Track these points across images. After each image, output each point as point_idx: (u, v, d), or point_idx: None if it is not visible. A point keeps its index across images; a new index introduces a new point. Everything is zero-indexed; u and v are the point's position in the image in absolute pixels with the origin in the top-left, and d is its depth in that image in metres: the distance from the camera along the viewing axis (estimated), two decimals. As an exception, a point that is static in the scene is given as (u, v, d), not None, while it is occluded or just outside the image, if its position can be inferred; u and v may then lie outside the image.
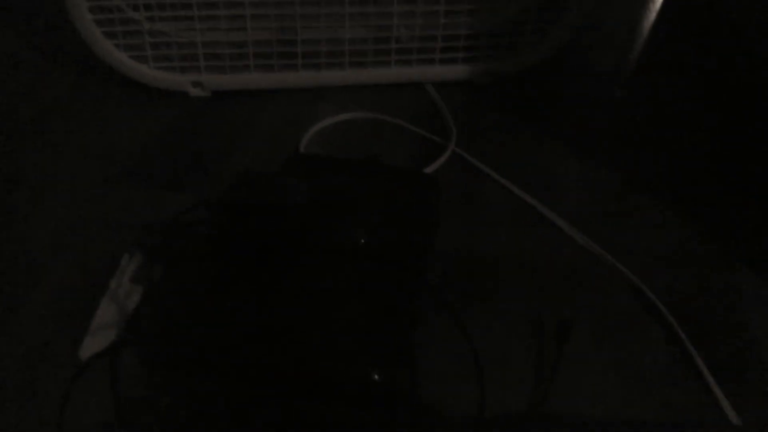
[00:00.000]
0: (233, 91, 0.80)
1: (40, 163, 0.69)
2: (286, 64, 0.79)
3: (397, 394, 0.43)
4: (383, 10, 0.76)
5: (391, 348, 0.44)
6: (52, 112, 0.77)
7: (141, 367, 0.49)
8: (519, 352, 0.53)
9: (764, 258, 0.61)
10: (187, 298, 0.50)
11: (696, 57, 0.91)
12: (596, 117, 0.80)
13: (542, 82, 0.85)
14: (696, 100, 0.83)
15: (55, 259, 0.59)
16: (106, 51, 0.76)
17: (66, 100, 0.79)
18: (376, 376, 0.42)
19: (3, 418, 0.47)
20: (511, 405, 0.49)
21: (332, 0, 0.75)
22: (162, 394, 0.49)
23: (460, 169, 0.71)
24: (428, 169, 0.70)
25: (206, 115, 0.78)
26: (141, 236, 0.59)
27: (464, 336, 0.48)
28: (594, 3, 0.81)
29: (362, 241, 0.52)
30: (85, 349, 0.50)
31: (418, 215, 0.57)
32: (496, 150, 0.74)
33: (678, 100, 0.83)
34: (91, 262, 0.58)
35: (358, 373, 0.43)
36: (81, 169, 0.69)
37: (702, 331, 0.55)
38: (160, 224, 0.59)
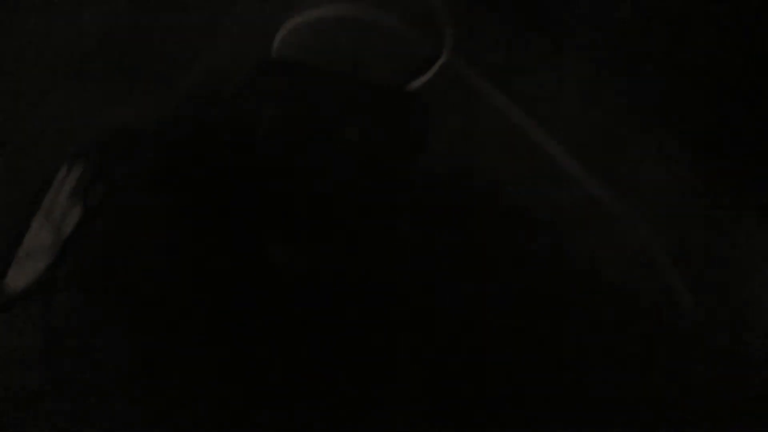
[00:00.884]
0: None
1: None
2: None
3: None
4: None
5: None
6: None
7: (77, 301, 0.43)
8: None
9: None
10: (136, 224, 0.44)
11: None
12: (605, 37, 0.71)
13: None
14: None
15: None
16: None
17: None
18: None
19: None
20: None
21: None
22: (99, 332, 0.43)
23: (452, 84, 0.63)
24: (416, 83, 0.62)
25: (165, 4, 0.68)
26: (83, 145, 0.51)
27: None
28: None
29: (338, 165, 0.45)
30: (12, 279, 0.44)
31: (400, 144, 0.50)
32: (494, 65, 0.66)
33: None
34: (23, 172, 0.51)
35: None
36: (21, 59, 0.60)
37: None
38: (106, 132, 0.51)
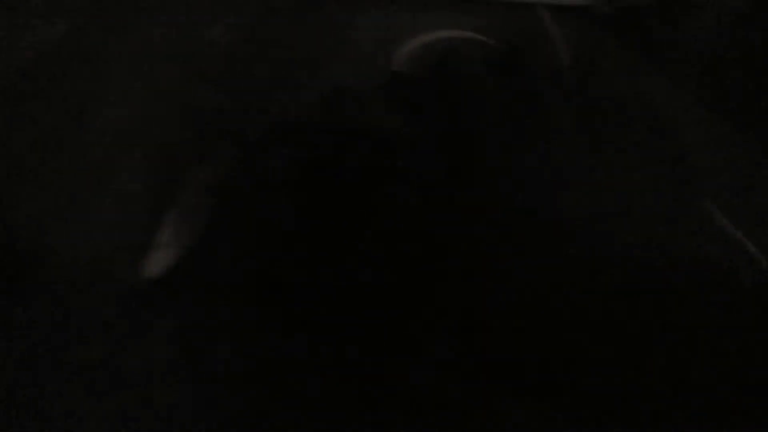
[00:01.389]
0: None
1: (125, 55, 0.63)
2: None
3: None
4: None
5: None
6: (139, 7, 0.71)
7: (206, 291, 0.44)
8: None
9: None
10: (266, 222, 0.46)
11: None
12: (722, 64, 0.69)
13: (667, 16, 0.74)
14: None
15: (122, 167, 0.54)
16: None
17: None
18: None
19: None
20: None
21: None
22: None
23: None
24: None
25: (293, 21, 0.70)
26: (216, 146, 0.53)
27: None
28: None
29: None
30: (151, 263, 0.46)
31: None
32: (608, 89, 0.65)
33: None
34: (158, 171, 0.53)
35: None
36: (151, 71, 0.63)
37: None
38: (239, 136, 0.53)
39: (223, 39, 0.66)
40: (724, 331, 0.42)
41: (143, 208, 0.49)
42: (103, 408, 0.40)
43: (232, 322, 0.43)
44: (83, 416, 0.40)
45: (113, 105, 0.58)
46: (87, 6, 0.69)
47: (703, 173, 0.57)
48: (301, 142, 0.50)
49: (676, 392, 0.40)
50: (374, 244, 0.44)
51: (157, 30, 0.67)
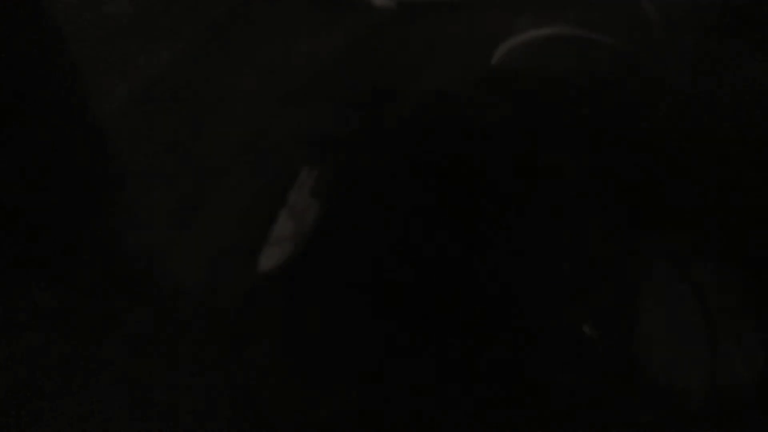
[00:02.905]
0: (421, 1, 0.74)
1: (221, 73, 0.68)
2: (481, -29, 0.71)
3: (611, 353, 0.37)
4: None
5: (610, 299, 0.37)
6: (232, 22, 0.75)
7: (317, 285, 0.46)
8: None
9: None
10: (372, 218, 0.47)
11: None
12: None
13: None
14: None
15: (237, 169, 0.57)
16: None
17: (245, 11, 0.77)
18: (587, 330, 0.36)
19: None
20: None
21: None
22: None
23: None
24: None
25: (391, 28, 0.72)
26: (322, 151, 0.55)
27: (695, 295, 0.40)
28: None
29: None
30: (265, 258, 0.48)
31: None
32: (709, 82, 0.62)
33: None
34: (270, 174, 0.56)
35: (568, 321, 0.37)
36: (261, 82, 0.66)
37: None
38: (344, 139, 0.55)
39: (323, 53, 0.69)
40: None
41: (258, 211, 0.52)
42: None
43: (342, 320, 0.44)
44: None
45: (225, 121, 0.62)
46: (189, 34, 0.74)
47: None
48: (404, 142, 0.51)
49: None
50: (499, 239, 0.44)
51: (259, 48, 0.71)
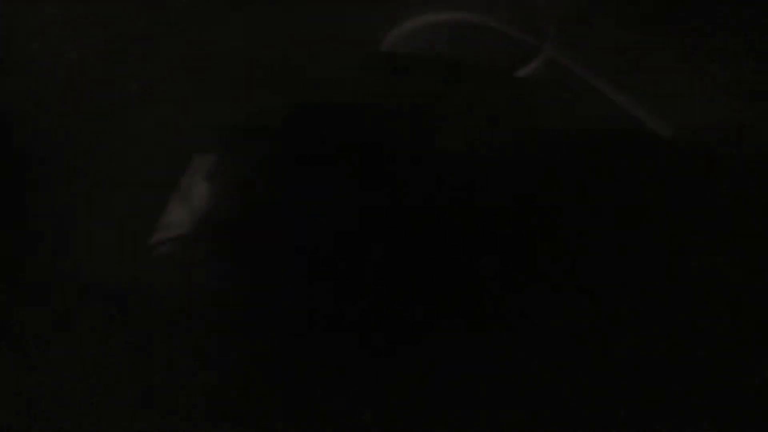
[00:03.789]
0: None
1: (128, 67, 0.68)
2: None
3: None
4: None
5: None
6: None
7: (211, 261, 0.48)
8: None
9: None
10: (263, 199, 0.49)
11: None
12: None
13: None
14: None
15: (136, 151, 0.57)
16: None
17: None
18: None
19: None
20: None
21: None
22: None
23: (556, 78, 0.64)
24: (520, 72, 0.63)
25: (291, 15, 0.73)
26: (216, 135, 0.57)
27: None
28: None
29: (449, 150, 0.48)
30: (156, 242, 0.49)
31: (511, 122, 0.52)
32: (601, 55, 0.66)
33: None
34: (164, 157, 0.57)
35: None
36: (162, 72, 0.67)
37: None
38: (237, 124, 0.57)
39: (224, 41, 0.70)
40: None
41: (153, 199, 0.53)
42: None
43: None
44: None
45: (124, 113, 0.63)
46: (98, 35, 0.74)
47: None
48: (296, 128, 0.53)
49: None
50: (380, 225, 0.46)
51: (164, 39, 0.71)
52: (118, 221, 0.53)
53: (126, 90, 0.64)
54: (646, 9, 0.69)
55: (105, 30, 0.72)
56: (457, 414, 0.42)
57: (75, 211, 0.54)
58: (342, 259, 0.45)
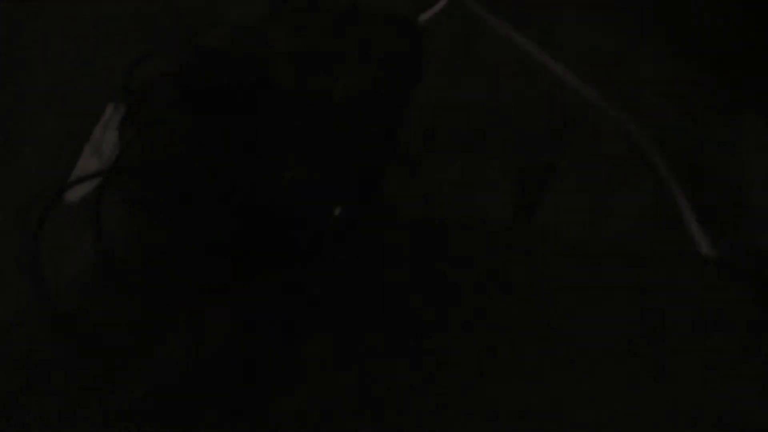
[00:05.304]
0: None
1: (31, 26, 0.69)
2: None
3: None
4: None
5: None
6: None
7: (123, 207, 0.51)
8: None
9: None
10: (167, 144, 0.52)
11: None
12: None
13: None
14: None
15: (48, 108, 0.59)
16: None
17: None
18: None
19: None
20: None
21: None
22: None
23: (458, 16, 0.67)
24: (423, 17, 0.66)
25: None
26: (125, 87, 0.59)
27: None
28: None
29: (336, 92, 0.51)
30: (69, 196, 0.52)
31: (397, 65, 0.55)
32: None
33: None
34: (76, 113, 0.59)
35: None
36: (77, 22, 0.68)
37: (694, 173, 0.52)
38: (143, 78, 0.59)
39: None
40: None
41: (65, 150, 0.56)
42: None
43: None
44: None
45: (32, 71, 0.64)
46: None
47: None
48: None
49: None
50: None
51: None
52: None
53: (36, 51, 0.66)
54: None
55: None
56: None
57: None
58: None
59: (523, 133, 0.57)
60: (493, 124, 0.58)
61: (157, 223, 0.50)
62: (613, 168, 0.55)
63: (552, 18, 0.66)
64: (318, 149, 0.47)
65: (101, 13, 0.70)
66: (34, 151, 0.57)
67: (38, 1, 0.72)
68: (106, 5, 0.71)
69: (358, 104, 0.50)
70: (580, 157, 0.55)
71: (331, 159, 0.47)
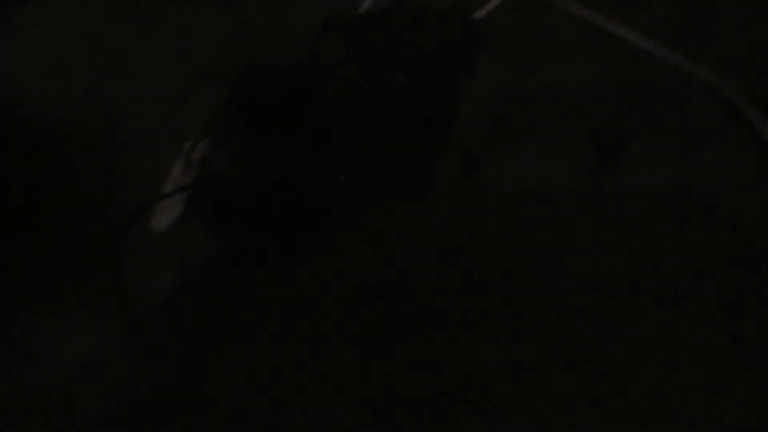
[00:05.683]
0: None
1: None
2: None
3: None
4: None
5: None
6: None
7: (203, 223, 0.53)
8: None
9: None
10: (234, 173, 0.54)
11: None
12: None
13: None
14: None
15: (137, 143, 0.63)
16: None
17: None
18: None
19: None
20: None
21: None
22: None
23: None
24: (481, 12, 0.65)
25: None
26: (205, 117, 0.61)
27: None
28: None
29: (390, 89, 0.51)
30: (157, 222, 0.55)
31: (450, 58, 0.55)
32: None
33: None
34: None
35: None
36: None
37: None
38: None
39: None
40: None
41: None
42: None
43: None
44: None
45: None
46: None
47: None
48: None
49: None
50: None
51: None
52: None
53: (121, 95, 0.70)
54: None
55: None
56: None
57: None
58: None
59: (598, 107, 0.55)
60: (566, 104, 0.56)
61: (236, 247, 0.52)
62: (703, 128, 0.52)
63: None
64: (370, 147, 0.48)
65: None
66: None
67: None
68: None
69: (412, 99, 0.50)
70: (662, 124, 0.52)
71: (385, 155, 0.47)
